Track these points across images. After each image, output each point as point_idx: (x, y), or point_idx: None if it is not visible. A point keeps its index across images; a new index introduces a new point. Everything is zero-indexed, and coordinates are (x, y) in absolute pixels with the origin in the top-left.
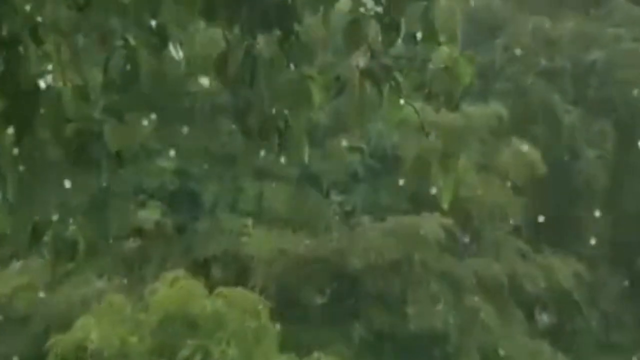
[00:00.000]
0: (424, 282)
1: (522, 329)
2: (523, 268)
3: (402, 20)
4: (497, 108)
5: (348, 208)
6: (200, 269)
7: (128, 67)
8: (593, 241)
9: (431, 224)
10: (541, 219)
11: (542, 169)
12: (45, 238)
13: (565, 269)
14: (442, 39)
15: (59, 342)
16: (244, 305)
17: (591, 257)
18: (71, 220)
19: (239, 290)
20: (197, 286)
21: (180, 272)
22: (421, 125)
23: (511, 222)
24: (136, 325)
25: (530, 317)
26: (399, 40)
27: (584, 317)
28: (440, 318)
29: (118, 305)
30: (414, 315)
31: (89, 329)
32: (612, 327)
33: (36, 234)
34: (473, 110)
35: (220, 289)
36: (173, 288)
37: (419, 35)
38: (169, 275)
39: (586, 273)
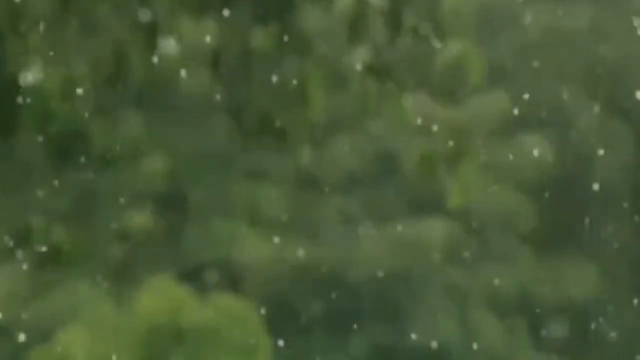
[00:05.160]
0: (426, 293)
1: (530, 342)
2: (534, 277)
3: (406, 15)
4: (505, 103)
5: (347, 212)
6: (192, 275)
7: (117, 61)
8: (610, 249)
9: (434, 230)
10: (554, 224)
11: (554, 170)
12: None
13: (579, 279)
14: (453, 32)
15: (39, 355)
16: (236, 315)
17: (608, 265)
18: (56, 224)
19: (231, 298)
20: (186, 294)
21: (168, 278)
22: (425, 123)
23: (521, 227)
24: (122, 337)
25: (540, 329)
26: (403, 35)
27: (599, 330)
28: (442, 331)
29: (102, 315)
30: (415, 327)
31: (72, 342)
32: (629, 341)
33: (19, 238)
34: (479, 106)
35: (212, 297)
36: (160, 296)
37: (424, 30)
38: (156, 281)
39: (602, 283)
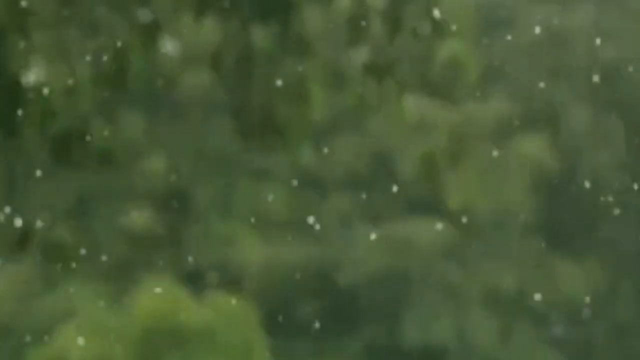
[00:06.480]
0: (425, 293)
1: (529, 342)
2: (532, 277)
3: (405, 15)
4: (504, 103)
5: (347, 212)
6: (192, 275)
7: (118, 61)
8: (608, 247)
9: (434, 230)
10: (552, 223)
11: (553, 169)
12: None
13: (577, 278)
14: (452, 32)
15: (37, 354)
16: (234, 315)
17: (606, 263)
18: (57, 223)
19: (229, 298)
20: (184, 294)
21: (167, 278)
22: (425, 123)
23: (520, 226)
24: (119, 336)
25: (540, 328)
26: (402, 35)
27: (598, 329)
28: (439, 332)
29: (101, 314)
30: (413, 328)
31: (71, 341)
32: (630, 339)
33: (21, 237)
34: (478, 106)
35: (210, 298)
36: (158, 296)
37: (423, 29)
38: (155, 282)
39: (600, 281)
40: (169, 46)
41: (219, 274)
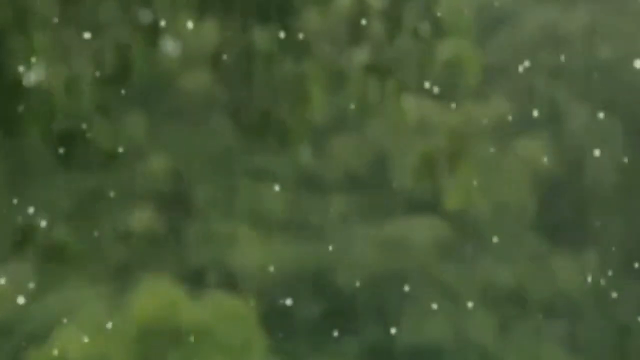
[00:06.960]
0: (423, 293)
1: (530, 341)
2: (531, 274)
3: (405, 15)
4: (503, 104)
5: (346, 212)
6: (192, 274)
7: (119, 61)
8: (607, 246)
9: (432, 230)
10: (551, 222)
11: (552, 169)
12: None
13: (576, 277)
14: (452, 33)
15: (37, 354)
16: (232, 314)
17: (607, 262)
18: (58, 223)
19: (228, 297)
20: (183, 293)
21: (165, 277)
22: (424, 123)
23: (520, 226)
24: (119, 336)
25: (540, 326)
26: (402, 35)
27: (598, 327)
28: (439, 331)
29: (101, 314)
30: (411, 328)
31: (70, 341)
32: (629, 337)
33: (21, 237)
34: (479, 107)
35: (208, 297)
36: (157, 296)
37: (423, 30)
38: (153, 281)
39: (601, 279)
40: (169, 46)
41: (219, 273)
